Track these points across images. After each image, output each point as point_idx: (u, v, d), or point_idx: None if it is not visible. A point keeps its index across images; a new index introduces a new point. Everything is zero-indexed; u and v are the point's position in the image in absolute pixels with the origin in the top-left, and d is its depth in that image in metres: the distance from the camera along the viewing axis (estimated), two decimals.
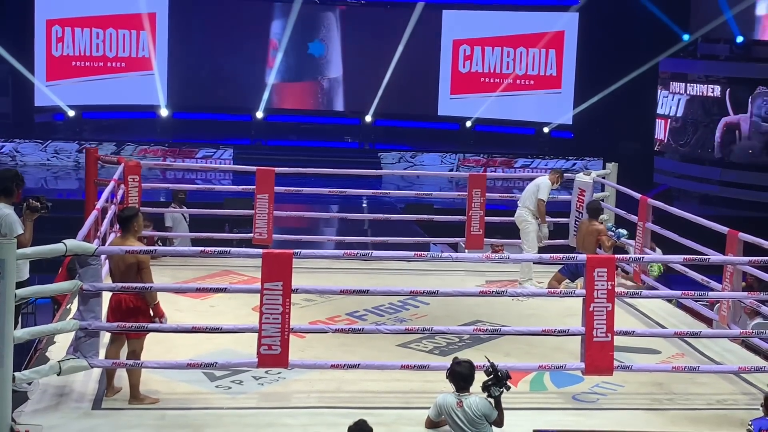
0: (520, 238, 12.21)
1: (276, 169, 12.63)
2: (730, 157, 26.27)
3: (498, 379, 7.21)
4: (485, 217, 12.83)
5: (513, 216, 12.35)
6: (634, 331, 8.86)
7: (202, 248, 8.69)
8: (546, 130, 29.06)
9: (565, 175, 12.58)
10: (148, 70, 27.74)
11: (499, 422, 7.25)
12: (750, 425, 7.33)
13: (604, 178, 13.41)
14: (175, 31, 27.96)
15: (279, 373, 8.40)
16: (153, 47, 27.66)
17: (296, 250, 7.99)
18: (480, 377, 7.33)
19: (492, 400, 7.22)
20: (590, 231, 11.52)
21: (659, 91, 28.08)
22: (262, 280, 7.80)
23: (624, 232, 11.79)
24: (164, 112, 28.03)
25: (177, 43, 27.96)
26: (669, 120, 27.99)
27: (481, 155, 27.93)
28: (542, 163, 27.94)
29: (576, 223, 12.46)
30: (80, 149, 26.11)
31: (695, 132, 27.09)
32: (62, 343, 8.46)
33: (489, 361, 7.29)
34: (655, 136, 28.21)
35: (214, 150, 26.91)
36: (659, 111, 28.12)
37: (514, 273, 12.07)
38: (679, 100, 27.91)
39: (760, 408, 7.49)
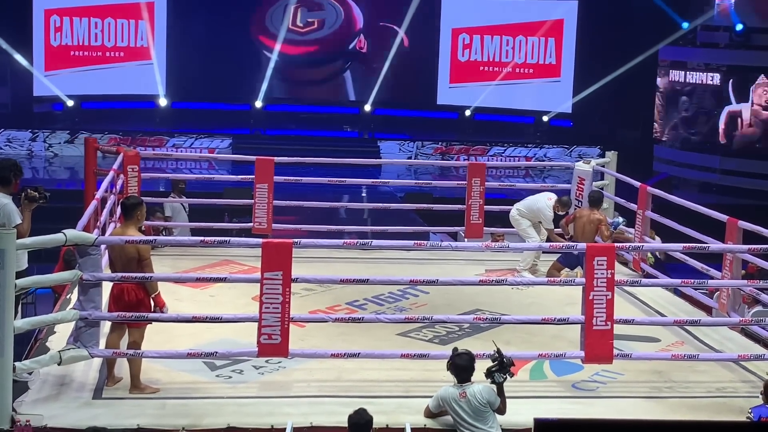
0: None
1: (275, 158, 12.64)
2: (732, 145, 26.26)
3: (502, 366, 7.23)
4: (485, 206, 12.84)
5: (512, 204, 12.39)
6: (633, 320, 8.88)
7: (202, 238, 8.70)
8: (545, 118, 29.04)
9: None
10: (146, 60, 27.68)
11: (501, 409, 7.28)
12: (750, 413, 7.34)
13: (603, 166, 13.40)
14: (174, 21, 27.88)
15: (279, 362, 8.41)
16: (151, 37, 27.58)
17: (296, 240, 8.00)
18: (481, 366, 7.35)
19: (495, 387, 7.24)
20: (591, 220, 11.51)
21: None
22: (262, 269, 7.81)
23: (620, 220, 11.79)
24: (163, 102, 27.99)
25: (175, 32, 27.88)
26: None
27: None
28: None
29: (575, 210, 12.44)
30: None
31: (697, 120, 27.11)
32: (62, 332, 8.46)
33: (496, 346, 7.31)
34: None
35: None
36: None
37: (514, 262, 12.08)
38: None
39: (760, 396, 7.51)
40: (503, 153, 27.84)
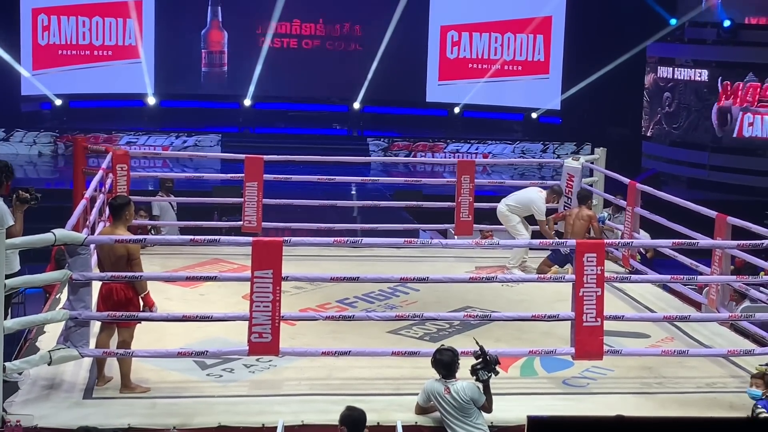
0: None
1: (264, 157, 12.62)
2: (721, 141, 26.32)
3: (486, 363, 7.23)
4: (474, 203, 12.84)
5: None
6: (623, 316, 8.90)
7: (192, 237, 8.69)
8: (534, 115, 29.08)
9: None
10: (135, 58, 27.61)
11: (487, 407, 7.27)
12: (757, 407, 7.36)
13: (592, 163, 13.42)
14: (162, 19, 27.82)
15: (270, 360, 8.41)
16: (140, 35, 27.52)
17: (286, 238, 7.99)
18: (468, 362, 7.35)
19: (480, 385, 7.25)
20: (581, 216, 11.53)
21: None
22: (252, 268, 7.80)
23: (605, 215, 11.82)
24: (151, 101, 27.93)
25: (164, 30, 27.83)
26: None
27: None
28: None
29: (565, 208, 12.46)
30: None
31: (688, 117, 27.17)
32: (52, 332, 8.45)
33: (478, 344, 7.31)
34: None
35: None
36: None
37: (504, 259, 12.08)
38: None
39: (753, 386, 7.55)
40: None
